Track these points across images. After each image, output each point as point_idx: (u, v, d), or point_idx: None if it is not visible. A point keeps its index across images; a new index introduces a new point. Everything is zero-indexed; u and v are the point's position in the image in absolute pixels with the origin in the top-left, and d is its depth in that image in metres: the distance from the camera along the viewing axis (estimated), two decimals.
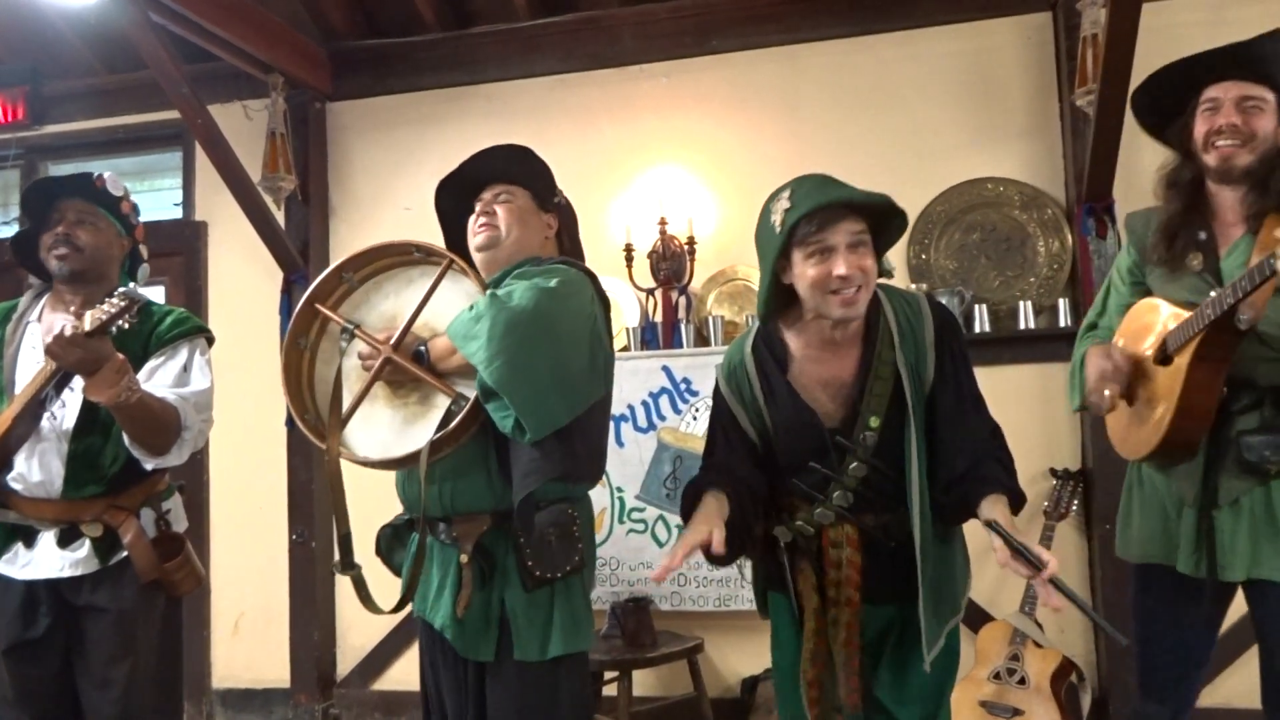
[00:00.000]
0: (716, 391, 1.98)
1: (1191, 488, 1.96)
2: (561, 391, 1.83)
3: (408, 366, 1.94)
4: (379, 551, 2.17)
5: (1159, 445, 1.93)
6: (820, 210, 1.72)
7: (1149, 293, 2.06)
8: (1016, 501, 1.77)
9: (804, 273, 1.75)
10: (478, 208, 2.11)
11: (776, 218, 1.77)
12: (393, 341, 1.95)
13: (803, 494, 1.88)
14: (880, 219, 1.80)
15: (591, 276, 2.05)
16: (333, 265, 2.08)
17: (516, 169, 2.13)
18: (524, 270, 1.98)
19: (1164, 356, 1.94)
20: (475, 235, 2.09)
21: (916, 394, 1.82)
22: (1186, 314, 1.88)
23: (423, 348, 1.96)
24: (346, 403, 2.01)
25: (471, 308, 1.85)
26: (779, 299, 1.85)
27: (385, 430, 1.99)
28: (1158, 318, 1.99)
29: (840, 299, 1.74)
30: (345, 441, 2.00)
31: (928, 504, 1.82)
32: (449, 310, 1.95)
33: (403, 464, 1.98)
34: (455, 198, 2.17)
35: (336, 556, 2.09)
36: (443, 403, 1.94)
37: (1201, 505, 1.95)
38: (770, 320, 1.90)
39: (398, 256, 2.07)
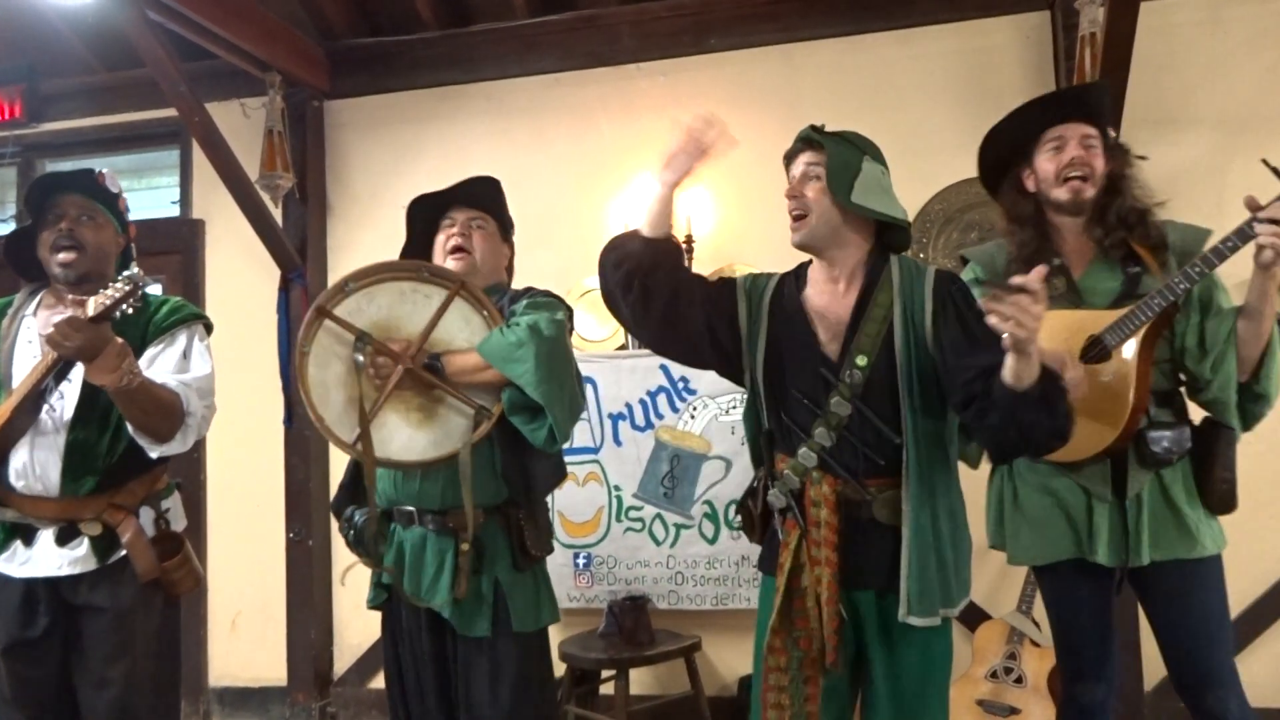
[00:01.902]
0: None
1: (1104, 484, 2.13)
2: (575, 410, 2.16)
3: (429, 378, 2.15)
4: (359, 543, 2.25)
5: (1117, 439, 2.09)
6: (789, 150, 2.02)
7: None
8: (1047, 389, 1.69)
9: None
10: (450, 226, 2.33)
11: None
12: (411, 354, 2.14)
13: (796, 431, 1.91)
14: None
15: (568, 307, 2.34)
16: (340, 277, 2.21)
17: (489, 199, 2.39)
18: (528, 300, 2.24)
19: (1098, 354, 2.11)
20: (450, 256, 2.30)
21: (907, 337, 1.87)
22: (1106, 313, 2.10)
23: (436, 361, 2.16)
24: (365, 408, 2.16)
25: (502, 332, 2.12)
26: None
27: (400, 432, 2.16)
28: (1067, 325, 2.14)
29: (792, 224, 1.95)
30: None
31: (927, 456, 1.85)
32: (451, 327, 2.20)
33: (428, 466, 2.17)
34: (425, 213, 2.39)
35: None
36: (449, 407, 2.17)
37: (1114, 499, 2.13)
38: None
39: (404, 274, 2.21)
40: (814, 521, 1.87)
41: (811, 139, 1.97)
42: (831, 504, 1.86)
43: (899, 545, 1.83)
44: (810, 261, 2.05)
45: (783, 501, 1.92)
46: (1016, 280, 1.58)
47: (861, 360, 1.86)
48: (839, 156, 1.92)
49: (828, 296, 1.96)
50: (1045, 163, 2.20)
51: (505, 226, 2.42)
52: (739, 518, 2.09)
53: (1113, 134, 2.24)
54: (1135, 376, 2.07)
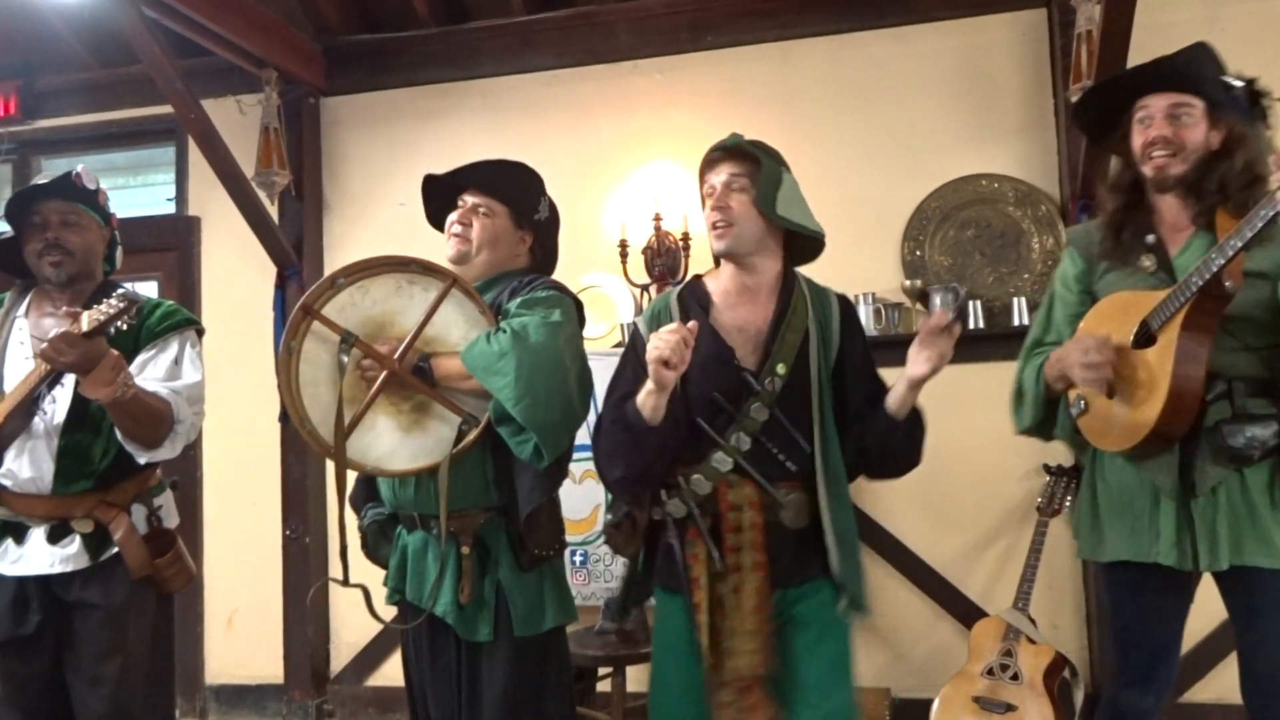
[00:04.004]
0: (634, 333, 2.08)
1: (1169, 479, 1.97)
2: (568, 421, 2.03)
3: (415, 383, 2.05)
4: (364, 546, 2.25)
5: (1154, 427, 1.91)
6: (707, 158, 2.00)
7: (1096, 301, 2.10)
8: (916, 422, 1.90)
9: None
10: (458, 209, 2.23)
11: None
12: (397, 356, 2.04)
13: (708, 439, 1.90)
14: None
15: (575, 299, 2.20)
16: (329, 273, 2.13)
17: (502, 184, 2.26)
18: (524, 296, 2.09)
19: (1146, 338, 1.96)
20: (448, 242, 2.21)
21: (820, 351, 1.95)
22: (1160, 294, 1.93)
23: (424, 364, 2.05)
24: (347, 414, 2.07)
25: (488, 339, 1.99)
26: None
27: (388, 437, 2.08)
28: (1127, 308, 2.01)
29: (715, 233, 1.95)
30: (349, 449, 2.10)
31: (835, 460, 1.91)
32: (445, 325, 2.09)
33: (409, 475, 2.10)
34: (441, 192, 2.30)
35: (341, 569, 2.21)
36: (440, 413, 2.07)
37: (1180, 496, 1.97)
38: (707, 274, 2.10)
39: (396, 268, 2.12)
40: (733, 526, 1.87)
41: (739, 149, 1.97)
42: (756, 505, 1.88)
43: (803, 544, 1.89)
44: (699, 277, 2.07)
45: (683, 510, 1.91)
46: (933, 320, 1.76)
47: (781, 369, 1.91)
48: (767, 169, 1.94)
49: (745, 309, 1.98)
50: (1135, 136, 2.06)
51: (520, 213, 2.25)
52: (608, 536, 2.08)
53: (1239, 84, 2.02)
54: (1171, 362, 1.89)
